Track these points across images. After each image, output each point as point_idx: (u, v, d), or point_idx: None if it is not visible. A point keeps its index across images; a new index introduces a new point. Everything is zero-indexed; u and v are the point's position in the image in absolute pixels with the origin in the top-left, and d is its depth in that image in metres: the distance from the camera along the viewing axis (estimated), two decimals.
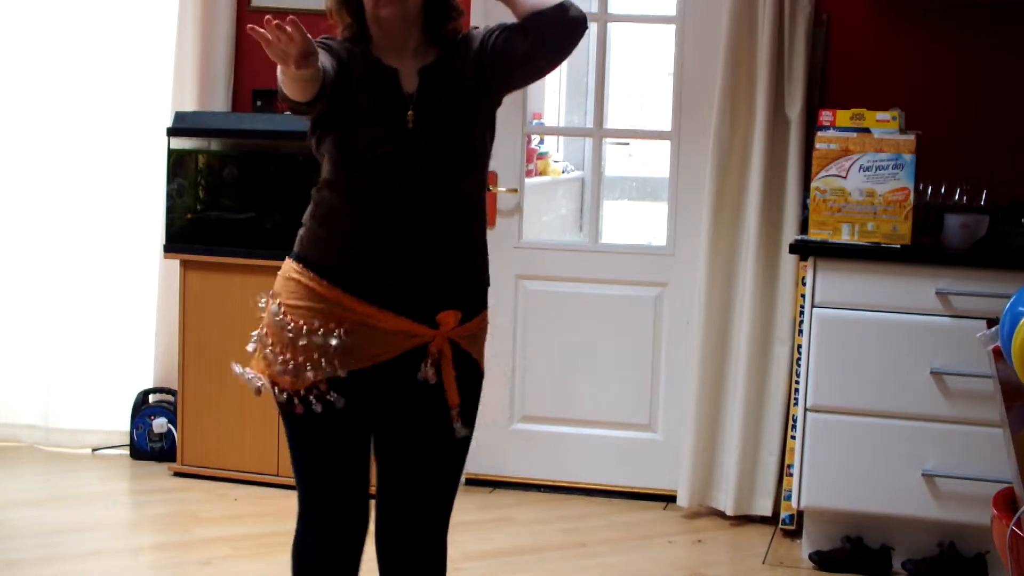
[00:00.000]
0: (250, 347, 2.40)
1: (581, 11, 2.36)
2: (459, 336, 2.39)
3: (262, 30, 2.03)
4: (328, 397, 2.32)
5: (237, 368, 2.42)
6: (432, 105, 2.35)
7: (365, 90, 2.33)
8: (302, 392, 2.33)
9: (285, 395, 2.34)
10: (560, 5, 2.33)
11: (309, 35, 2.08)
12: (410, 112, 2.33)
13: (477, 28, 2.48)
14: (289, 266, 2.39)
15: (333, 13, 2.41)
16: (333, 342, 2.30)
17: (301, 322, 2.32)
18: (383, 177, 2.31)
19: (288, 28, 2.03)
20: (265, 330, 2.38)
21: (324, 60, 2.23)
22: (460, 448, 2.48)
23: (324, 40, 2.35)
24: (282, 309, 2.35)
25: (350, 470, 2.41)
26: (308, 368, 2.31)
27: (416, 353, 2.36)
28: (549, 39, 2.34)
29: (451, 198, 2.36)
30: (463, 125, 2.36)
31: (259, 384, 2.37)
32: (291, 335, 2.32)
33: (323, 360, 2.31)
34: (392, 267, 2.33)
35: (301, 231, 2.41)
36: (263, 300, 2.41)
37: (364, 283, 2.32)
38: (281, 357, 2.33)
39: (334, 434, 2.38)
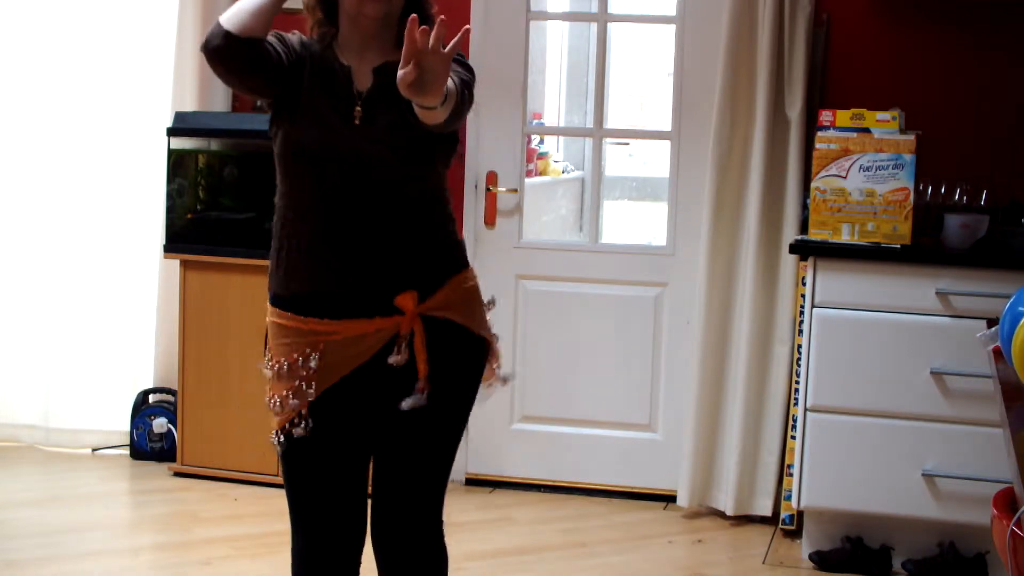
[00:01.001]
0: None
1: (466, 105, 2.31)
2: (431, 310, 2.35)
3: None
4: (302, 424, 2.33)
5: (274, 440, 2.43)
6: (381, 103, 2.32)
7: (317, 86, 2.33)
8: (285, 427, 2.35)
9: (274, 435, 2.38)
10: (458, 112, 2.26)
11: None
12: (357, 108, 2.32)
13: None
14: (268, 309, 2.42)
15: (308, 7, 2.39)
16: (312, 364, 2.33)
17: (283, 359, 2.35)
18: (331, 172, 2.30)
19: None
20: (269, 384, 2.41)
21: (277, 45, 2.26)
22: (448, 423, 2.43)
23: (281, 33, 2.35)
24: (268, 353, 2.40)
25: (344, 491, 2.41)
26: (292, 399, 2.33)
27: (390, 345, 2.35)
28: (444, 130, 2.31)
29: (399, 196, 2.33)
30: (410, 126, 2.27)
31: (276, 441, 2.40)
32: (277, 373, 2.36)
33: (303, 385, 2.33)
34: (345, 271, 2.32)
35: (269, 269, 2.42)
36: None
37: (325, 299, 2.33)
38: (273, 397, 2.37)
39: (322, 458, 2.39)
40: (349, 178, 2.30)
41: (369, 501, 2.49)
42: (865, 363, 3.73)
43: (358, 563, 2.47)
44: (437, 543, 2.49)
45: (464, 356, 2.42)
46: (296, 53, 2.33)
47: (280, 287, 2.38)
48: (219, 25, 2.20)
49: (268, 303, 2.42)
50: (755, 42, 4.14)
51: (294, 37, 2.38)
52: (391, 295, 2.33)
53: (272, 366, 2.36)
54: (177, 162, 4.52)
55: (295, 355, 2.34)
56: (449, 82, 2.15)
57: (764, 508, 4.23)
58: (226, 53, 2.21)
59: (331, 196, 2.31)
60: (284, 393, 2.34)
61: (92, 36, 4.75)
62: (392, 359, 2.33)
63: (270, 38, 2.26)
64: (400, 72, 2.04)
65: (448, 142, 2.40)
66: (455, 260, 2.43)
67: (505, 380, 2.52)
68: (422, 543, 2.47)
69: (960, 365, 3.64)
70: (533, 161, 5.28)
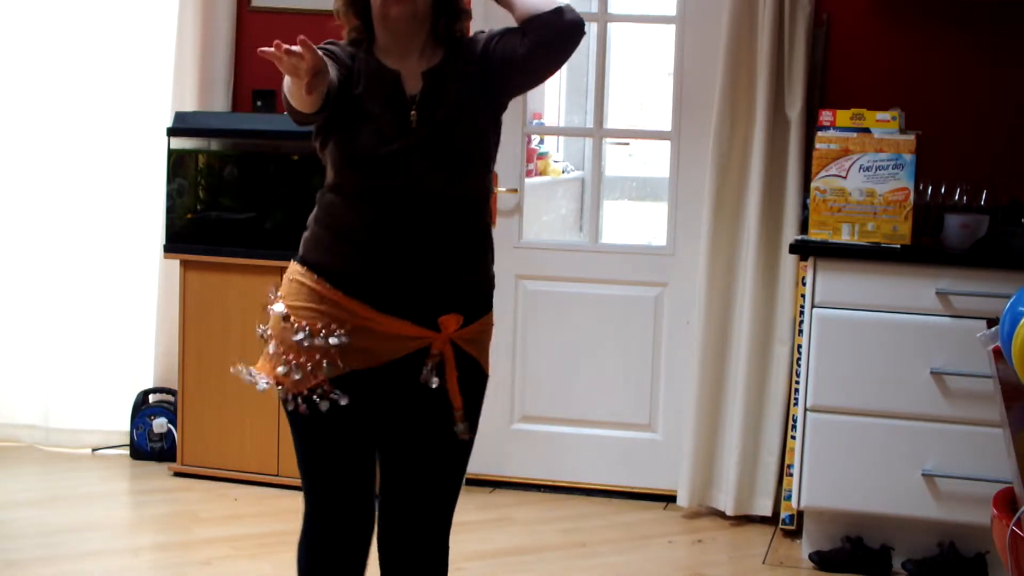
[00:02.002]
0: (259, 333, 2.42)
1: (578, 15, 2.35)
2: (461, 339, 2.39)
3: (271, 49, 2.05)
4: (332, 396, 2.32)
5: (239, 368, 2.43)
6: (435, 106, 2.35)
7: (369, 92, 2.34)
8: (305, 392, 2.33)
9: (289, 396, 2.35)
10: (557, 9, 2.33)
11: (318, 51, 2.11)
12: (413, 113, 2.34)
13: (483, 32, 2.47)
14: (293, 268, 2.40)
15: (340, 14, 2.42)
16: (333, 341, 2.31)
17: (305, 323, 2.33)
18: (387, 178, 2.32)
19: (297, 49, 2.06)
20: (270, 331, 2.39)
21: (329, 68, 2.24)
22: (462, 451, 2.48)
23: (328, 46, 2.36)
24: (286, 310, 2.36)
25: (355, 469, 2.42)
26: (310, 368, 2.32)
27: (418, 356, 2.36)
28: (546, 43, 2.34)
29: (454, 200, 2.36)
30: (466, 127, 2.36)
31: (263, 383, 2.38)
32: (295, 336, 2.33)
33: (325, 361, 2.32)
34: (394, 270, 2.33)
35: (306, 233, 2.42)
36: (272, 295, 2.41)
37: (365, 286, 2.33)
38: (284, 357, 2.34)
39: (338, 433, 2.38)
40: (404, 181, 2.32)
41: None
42: (865, 363, 3.73)
43: (365, 557, 2.48)
44: (443, 557, 2.53)
45: (476, 388, 2.47)
46: (346, 66, 2.35)
47: (315, 256, 2.37)
48: (289, 105, 2.24)
49: (294, 261, 2.40)
50: (755, 42, 4.14)
51: (340, 49, 2.38)
52: (434, 309, 2.34)
53: (297, 328, 2.33)
54: (177, 162, 4.52)
55: (319, 324, 2.32)
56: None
57: (764, 508, 4.23)
58: (306, 122, 2.29)
59: (385, 198, 2.32)
60: (302, 360, 2.32)
61: (92, 36, 4.75)
62: (423, 377, 2.35)
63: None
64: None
65: (495, 143, 2.44)
66: (490, 298, 2.48)
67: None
68: (430, 558, 2.51)
69: (960, 365, 3.64)
70: (533, 161, 5.29)
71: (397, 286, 2.33)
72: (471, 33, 2.49)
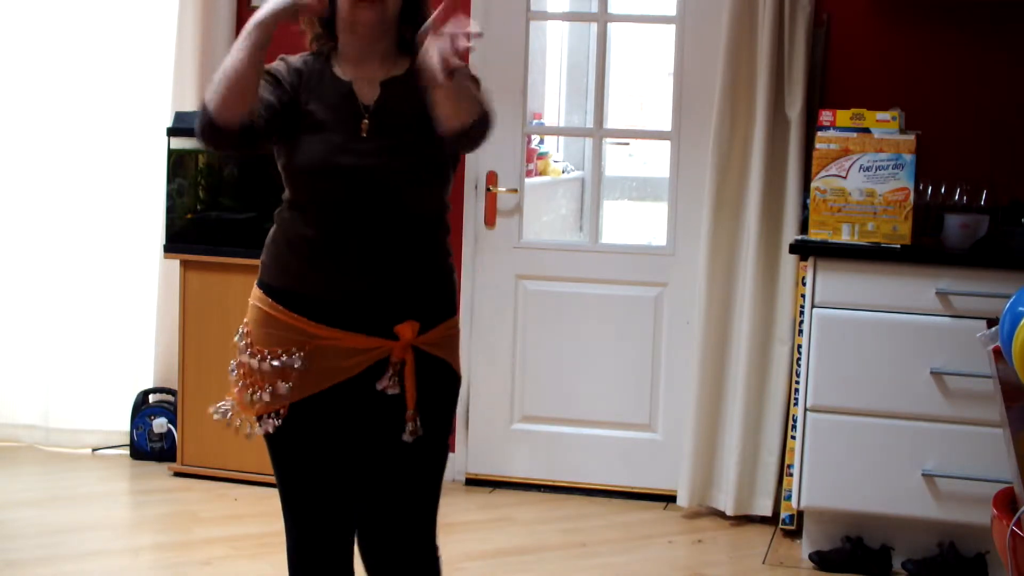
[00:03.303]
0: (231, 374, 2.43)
1: (491, 117, 2.27)
2: (426, 344, 2.37)
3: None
4: (270, 419, 2.34)
5: (216, 410, 2.45)
6: (389, 116, 2.32)
7: (319, 104, 2.32)
8: (263, 416, 2.35)
9: (256, 425, 2.37)
10: (476, 123, 2.22)
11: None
12: (365, 122, 2.31)
13: None
14: (254, 292, 2.41)
15: (303, 21, 2.37)
16: (296, 365, 2.31)
17: (264, 349, 2.35)
18: (336, 188, 2.29)
19: None
20: (237, 361, 2.41)
21: (266, 94, 2.24)
22: (435, 456, 2.45)
23: (275, 65, 2.34)
24: (246, 336, 2.38)
25: (327, 484, 2.41)
26: (267, 392, 2.33)
27: (380, 367, 2.35)
28: (459, 146, 2.31)
29: (408, 211, 2.33)
30: (421, 140, 2.29)
31: (226, 411, 2.43)
32: (254, 361, 2.34)
33: (282, 384, 2.32)
34: (344, 281, 2.31)
35: (263, 255, 2.41)
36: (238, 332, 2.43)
37: (319, 304, 2.32)
38: (244, 383, 2.37)
39: (308, 453, 2.39)
40: (355, 192, 2.29)
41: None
42: (865, 363, 3.73)
43: (351, 561, 2.47)
44: (431, 562, 2.50)
45: (446, 389, 2.46)
46: (290, 85, 2.32)
47: (272, 278, 2.38)
48: (206, 111, 2.19)
49: (256, 285, 2.41)
50: (755, 42, 4.14)
51: (284, 66, 2.35)
52: (390, 319, 2.33)
53: (253, 353, 2.35)
54: (177, 162, 4.52)
55: (278, 349, 2.33)
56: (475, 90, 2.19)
57: (764, 508, 4.23)
58: (220, 140, 2.23)
59: (336, 209, 2.30)
60: (264, 385, 2.33)
61: (92, 36, 4.75)
62: (381, 384, 2.34)
63: (262, 84, 2.23)
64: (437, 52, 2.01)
65: (454, 157, 2.39)
66: (452, 303, 2.46)
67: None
68: (415, 564, 2.48)
69: (960, 365, 3.64)
70: (533, 161, 5.28)
71: (348, 298, 2.31)
72: None
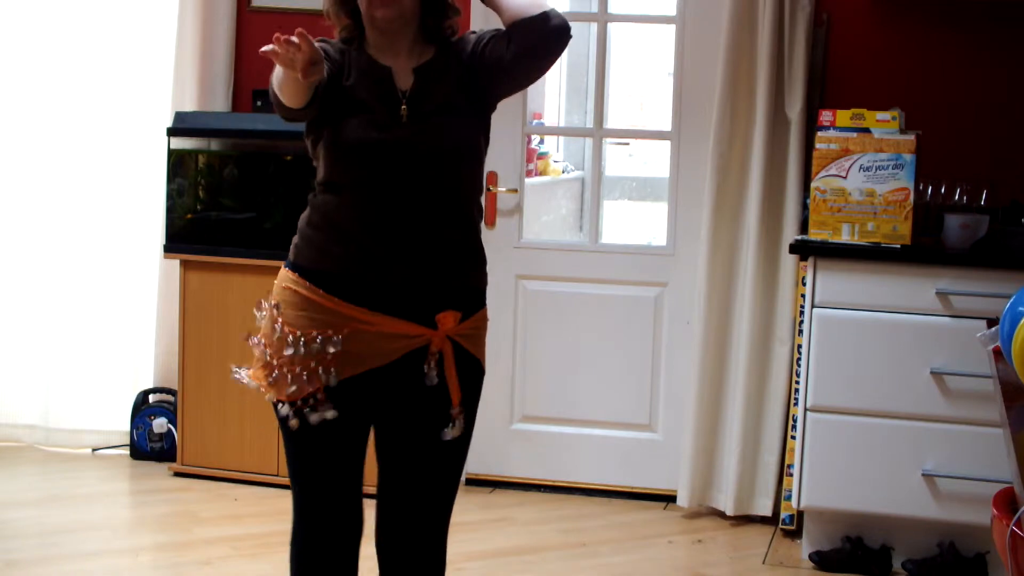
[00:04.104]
0: (255, 352, 2.40)
1: (564, 20, 2.34)
2: (458, 335, 2.39)
3: (271, 46, 2.07)
4: (320, 410, 2.32)
5: (236, 372, 2.43)
6: (425, 101, 2.36)
7: (360, 85, 2.35)
8: (298, 404, 2.33)
9: (283, 406, 2.35)
10: (543, 14, 2.33)
11: (315, 43, 2.12)
12: (403, 107, 2.34)
13: (475, 32, 2.48)
14: (285, 275, 2.39)
15: (331, 15, 2.44)
16: (331, 349, 2.30)
17: (299, 332, 2.32)
18: (378, 169, 2.32)
19: (295, 39, 2.07)
20: (263, 340, 2.37)
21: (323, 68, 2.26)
22: (461, 448, 2.47)
23: (319, 42, 2.36)
24: (279, 319, 2.35)
25: (343, 475, 2.42)
26: (306, 377, 2.31)
27: (415, 355, 2.35)
28: (531, 48, 2.34)
29: (446, 195, 2.36)
30: (455, 124, 2.37)
31: (249, 381, 2.41)
32: (289, 345, 2.32)
33: (320, 368, 2.31)
34: (388, 266, 2.32)
35: (296, 238, 2.41)
36: (260, 310, 2.40)
37: (359, 287, 2.32)
38: (278, 367, 2.33)
39: (329, 442, 2.38)
40: (398, 171, 2.32)
41: (366, 502, 2.49)
42: (865, 363, 3.73)
43: (356, 558, 2.48)
44: (440, 557, 2.53)
45: (474, 383, 2.47)
46: (336, 61, 2.36)
47: (307, 260, 2.37)
48: (278, 100, 2.28)
49: (285, 268, 2.40)
50: (755, 42, 4.14)
51: (331, 46, 2.40)
52: (431, 306, 2.34)
53: (284, 335, 2.32)
54: (177, 162, 4.52)
55: (313, 332, 2.31)
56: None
57: (764, 508, 4.23)
58: (294, 118, 2.33)
59: (378, 189, 2.33)
60: (296, 370, 2.31)
61: (92, 36, 4.75)
62: (428, 377, 2.35)
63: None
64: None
65: (486, 135, 2.45)
66: (483, 294, 2.48)
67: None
68: (428, 558, 2.51)
69: (960, 365, 3.64)
70: (533, 161, 5.28)
71: (391, 284, 2.33)
72: (465, 31, 2.50)
